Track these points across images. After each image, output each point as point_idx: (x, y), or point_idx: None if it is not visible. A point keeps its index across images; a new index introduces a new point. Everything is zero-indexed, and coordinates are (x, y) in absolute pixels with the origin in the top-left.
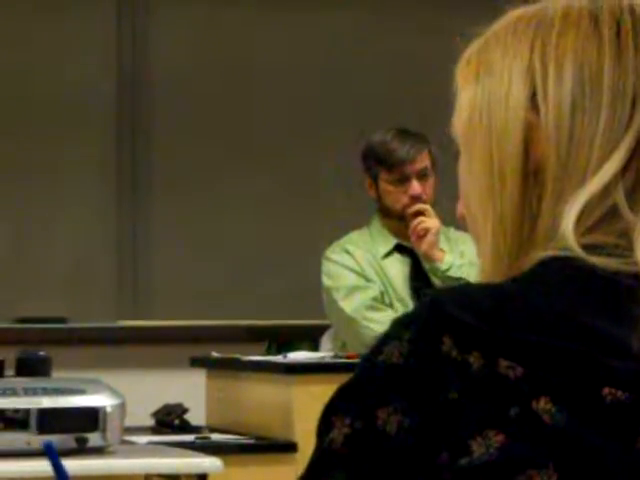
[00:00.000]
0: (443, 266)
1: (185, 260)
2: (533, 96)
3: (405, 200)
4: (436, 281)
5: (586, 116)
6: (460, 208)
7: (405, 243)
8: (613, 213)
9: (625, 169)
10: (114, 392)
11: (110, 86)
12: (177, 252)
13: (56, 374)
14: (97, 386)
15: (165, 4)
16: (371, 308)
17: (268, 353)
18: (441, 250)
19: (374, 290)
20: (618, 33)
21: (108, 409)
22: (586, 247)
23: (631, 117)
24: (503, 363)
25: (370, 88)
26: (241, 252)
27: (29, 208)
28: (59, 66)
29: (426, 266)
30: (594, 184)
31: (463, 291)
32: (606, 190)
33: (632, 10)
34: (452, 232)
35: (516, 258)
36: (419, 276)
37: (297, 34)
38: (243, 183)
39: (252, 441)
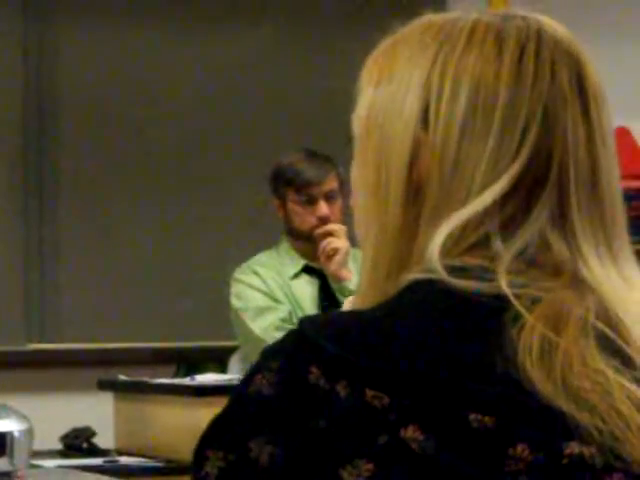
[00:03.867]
0: (351, 286)
1: (92, 282)
2: (425, 112)
3: (313, 221)
4: (344, 301)
5: (474, 140)
6: (352, 202)
7: (313, 264)
8: (485, 240)
9: (507, 198)
10: (21, 417)
11: (16, 106)
12: (84, 274)
13: None
14: (3, 411)
15: (72, 25)
16: (280, 329)
17: (177, 376)
18: (349, 270)
19: (283, 311)
20: (520, 59)
21: (15, 434)
22: (453, 269)
23: (519, 148)
24: (369, 393)
25: (280, 109)
26: (148, 274)
27: None
28: None
29: (334, 286)
30: (468, 210)
31: (330, 320)
32: (481, 218)
33: (539, 36)
34: (360, 253)
35: (396, 272)
36: (327, 297)
37: (208, 54)
38: (151, 204)
39: (161, 464)
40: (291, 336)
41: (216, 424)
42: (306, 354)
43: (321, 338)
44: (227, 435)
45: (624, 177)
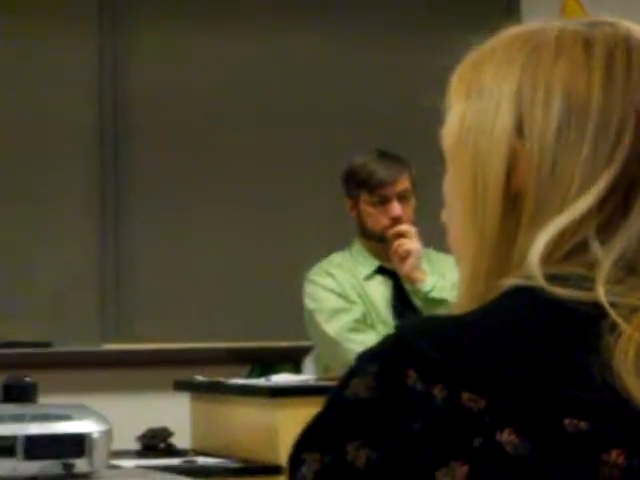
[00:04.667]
0: (425, 287)
1: (168, 283)
2: (520, 122)
3: (385, 222)
4: (418, 303)
5: (569, 147)
6: (444, 215)
7: (387, 265)
8: (583, 246)
9: (604, 202)
10: (100, 418)
11: (92, 113)
12: (160, 275)
13: (41, 399)
14: (83, 412)
15: (146, 33)
16: (354, 330)
17: (251, 375)
18: (423, 272)
19: (357, 312)
20: (610, 64)
21: (94, 435)
22: (552, 277)
23: (614, 151)
24: (466, 396)
25: (352, 109)
26: (224, 274)
27: (13, 234)
28: (41, 95)
29: (408, 288)
30: (566, 216)
31: (427, 324)
32: (579, 223)
33: (627, 41)
34: (433, 254)
35: (494, 280)
36: (401, 298)
37: (281, 55)
38: (226, 206)
39: (238, 464)
40: (388, 340)
41: (312, 426)
42: (403, 358)
43: (419, 342)
44: (323, 437)
45: None
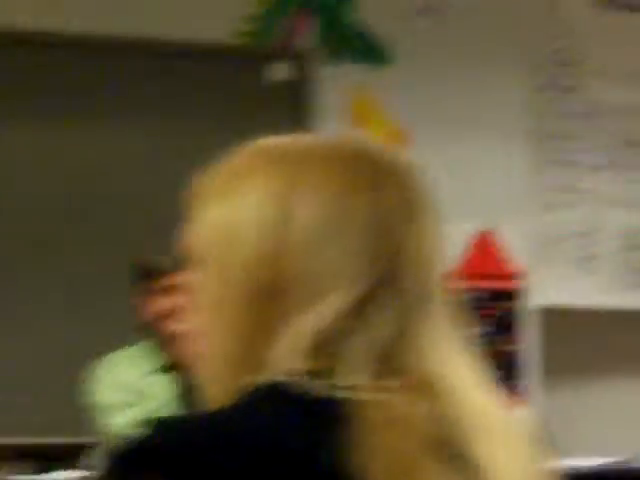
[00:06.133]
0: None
1: None
2: (279, 221)
3: (162, 312)
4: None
5: (328, 248)
6: (184, 326)
7: (173, 358)
8: (331, 340)
9: (356, 302)
10: None
11: None
12: None
13: None
14: None
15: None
16: (138, 426)
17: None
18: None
19: (142, 408)
20: (359, 171)
21: None
22: (296, 372)
23: (375, 254)
24: None
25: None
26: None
27: None
28: None
29: (193, 381)
30: (315, 316)
31: (172, 425)
32: (331, 320)
33: (366, 152)
34: None
35: (244, 375)
36: (188, 393)
37: (64, 147)
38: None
39: None
40: (134, 441)
41: None
42: (141, 461)
43: (160, 442)
44: None
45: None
